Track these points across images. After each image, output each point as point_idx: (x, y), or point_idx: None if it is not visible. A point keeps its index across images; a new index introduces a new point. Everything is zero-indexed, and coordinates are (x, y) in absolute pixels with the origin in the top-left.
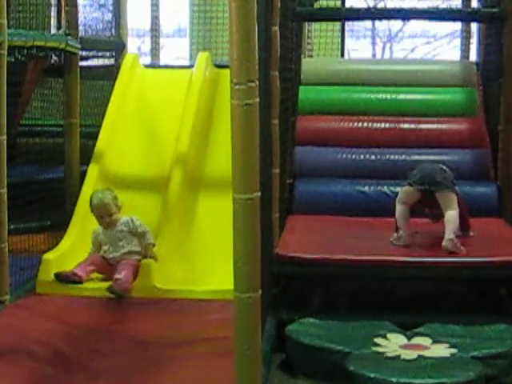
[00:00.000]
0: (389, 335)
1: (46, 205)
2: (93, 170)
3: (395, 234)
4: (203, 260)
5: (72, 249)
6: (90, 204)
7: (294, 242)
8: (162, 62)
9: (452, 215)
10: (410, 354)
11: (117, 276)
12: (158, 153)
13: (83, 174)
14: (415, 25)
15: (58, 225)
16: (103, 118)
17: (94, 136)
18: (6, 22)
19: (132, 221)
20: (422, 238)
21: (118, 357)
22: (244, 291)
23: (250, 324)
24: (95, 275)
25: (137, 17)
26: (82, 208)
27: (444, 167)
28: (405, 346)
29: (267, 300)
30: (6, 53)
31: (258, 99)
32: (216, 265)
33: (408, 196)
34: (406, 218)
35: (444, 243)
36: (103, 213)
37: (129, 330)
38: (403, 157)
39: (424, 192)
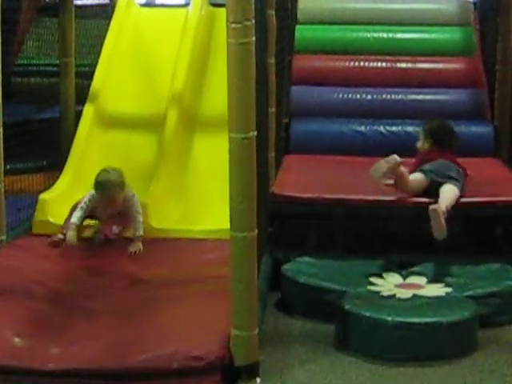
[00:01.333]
0: (384, 274)
1: (42, 145)
2: (89, 110)
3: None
4: (199, 199)
5: (68, 189)
6: (96, 187)
7: (290, 181)
8: (158, 0)
9: (450, 188)
10: (406, 293)
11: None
12: (153, 92)
13: (79, 114)
14: None
15: (53, 165)
16: (99, 57)
17: (90, 75)
18: None
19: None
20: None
21: (115, 296)
22: (240, 230)
23: (246, 263)
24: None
25: None
26: (78, 148)
27: (457, 167)
28: (400, 285)
29: (263, 239)
30: None
31: (254, 38)
32: (212, 204)
33: (416, 181)
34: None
35: (433, 207)
36: (107, 201)
37: (126, 270)
38: (400, 96)
39: (432, 183)
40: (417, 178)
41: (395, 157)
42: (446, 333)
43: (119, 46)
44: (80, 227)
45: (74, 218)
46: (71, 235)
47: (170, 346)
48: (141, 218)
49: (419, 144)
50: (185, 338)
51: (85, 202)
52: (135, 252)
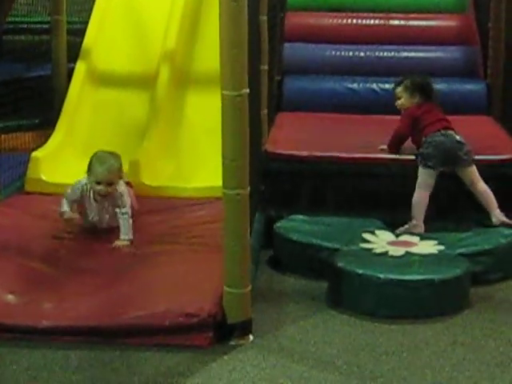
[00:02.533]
0: (377, 231)
1: (34, 103)
2: (80, 67)
3: (408, 225)
4: (192, 157)
5: (60, 146)
6: (91, 167)
7: (282, 138)
8: None
9: (487, 188)
10: (398, 251)
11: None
12: (146, 49)
13: (71, 72)
14: None
15: (45, 122)
16: (90, 14)
17: (82, 33)
18: None
19: (122, 197)
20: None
21: (108, 254)
22: (232, 188)
23: (238, 220)
24: None
25: None
26: (70, 106)
27: (459, 138)
28: (393, 243)
29: (256, 197)
30: None
31: None
32: (205, 162)
33: (431, 180)
34: (425, 208)
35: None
36: (105, 181)
37: (119, 228)
38: (392, 53)
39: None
40: (427, 179)
41: None
42: (438, 290)
43: (111, 3)
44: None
45: (64, 206)
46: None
47: (162, 303)
48: (129, 221)
49: (402, 101)
50: (177, 295)
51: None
52: (119, 246)
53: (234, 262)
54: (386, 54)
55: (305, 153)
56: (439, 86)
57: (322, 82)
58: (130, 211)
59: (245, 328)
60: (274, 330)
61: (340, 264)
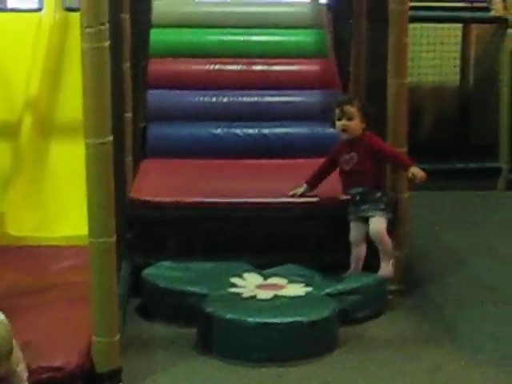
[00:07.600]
0: (245, 275)
1: None
2: None
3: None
4: (58, 206)
5: None
6: None
7: (147, 185)
8: (10, 4)
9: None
10: (266, 294)
11: None
12: (7, 96)
13: None
14: None
15: None
16: None
17: None
18: None
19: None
20: (280, 182)
21: None
22: (99, 236)
23: (105, 269)
24: None
25: None
26: None
27: None
28: (261, 286)
29: (122, 245)
30: None
31: (108, 42)
32: (71, 210)
33: None
34: None
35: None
36: None
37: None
38: (255, 98)
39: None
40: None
41: None
42: (306, 332)
43: None
44: None
45: None
46: None
47: (28, 359)
48: None
49: (355, 124)
50: (44, 348)
51: None
52: None
53: (101, 310)
54: (249, 99)
55: (169, 199)
56: (302, 129)
57: (186, 129)
58: None
59: (114, 377)
60: (145, 378)
61: (209, 309)
